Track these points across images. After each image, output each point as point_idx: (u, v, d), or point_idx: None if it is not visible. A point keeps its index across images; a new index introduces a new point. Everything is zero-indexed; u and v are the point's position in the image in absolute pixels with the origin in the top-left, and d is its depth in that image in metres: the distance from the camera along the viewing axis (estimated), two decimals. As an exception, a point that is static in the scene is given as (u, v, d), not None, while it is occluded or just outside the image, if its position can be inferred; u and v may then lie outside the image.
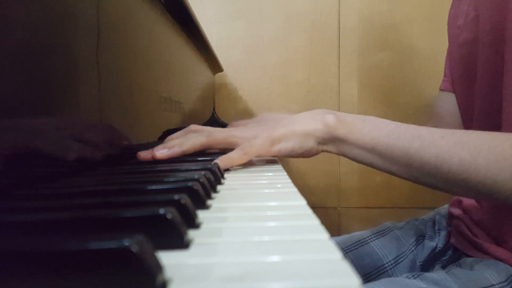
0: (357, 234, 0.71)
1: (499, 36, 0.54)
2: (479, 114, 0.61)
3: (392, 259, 0.66)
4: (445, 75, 0.77)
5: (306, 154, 0.48)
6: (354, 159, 0.47)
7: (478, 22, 0.60)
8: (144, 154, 0.48)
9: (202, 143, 0.49)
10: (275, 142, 0.47)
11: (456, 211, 0.65)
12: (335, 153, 0.48)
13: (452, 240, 0.64)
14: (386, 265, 0.65)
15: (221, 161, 0.45)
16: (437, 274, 0.53)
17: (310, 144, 0.47)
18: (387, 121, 0.46)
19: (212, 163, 0.43)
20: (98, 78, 0.40)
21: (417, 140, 0.43)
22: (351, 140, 0.46)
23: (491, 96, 0.57)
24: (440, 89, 0.78)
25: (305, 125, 0.47)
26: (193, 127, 0.55)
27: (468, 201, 0.63)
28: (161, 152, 0.47)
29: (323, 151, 0.48)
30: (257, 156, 0.48)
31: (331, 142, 0.47)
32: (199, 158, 0.50)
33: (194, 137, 0.49)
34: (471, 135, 0.41)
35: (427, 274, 0.54)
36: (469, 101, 0.64)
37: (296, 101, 1.21)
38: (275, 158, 0.65)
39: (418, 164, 0.42)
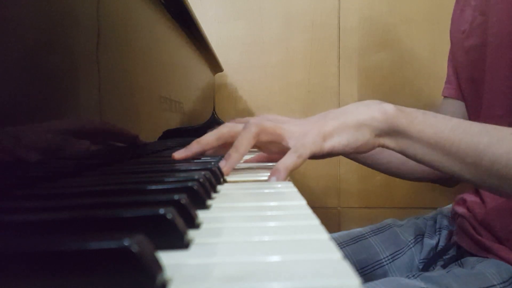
0: (356, 230, 0.71)
1: (509, 39, 0.54)
2: (487, 118, 0.61)
3: (389, 255, 0.66)
4: (448, 82, 0.75)
5: (362, 148, 0.42)
6: (414, 157, 0.42)
7: (486, 27, 0.59)
8: (181, 157, 0.44)
9: (253, 134, 0.41)
10: (327, 137, 0.41)
11: (461, 209, 0.65)
12: (392, 149, 0.43)
13: (456, 239, 0.64)
14: (383, 260, 0.65)
15: (278, 172, 0.39)
16: (437, 274, 0.53)
17: (366, 136, 0.41)
18: (449, 116, 0.42)
19: (269, 179, 0.39)
20: (98, 78, 0.40)
21: (485, 136, 0.39)
22: (413, 133, 0.41)
23: (499, 100, 0.57)
24: (444, 96, 0.76)
25: (359, 115, 0.41)
26: (225, 127, 0.46)
27: (472, 200, 0.63)
28: (223, 166, 0.41)
29: (379, 145, 0.43)
30: (311, 157, 0.41)
31: (390, 135, 0.42)
32: (200, 158, 0.50)
33: (244, 135, 0.42)
34: None
35: (427, 274, 0.54)
36: (478, 106, 0.63)
37: (296, 101, 1.21)
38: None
39: (487, 162, 0.38)
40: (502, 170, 0.38)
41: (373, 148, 0.42)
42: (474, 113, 0.66)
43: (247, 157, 0.57)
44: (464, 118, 0.70)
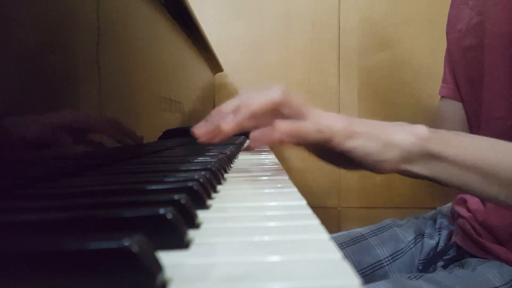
0: (356, 231, 0.71)
1: (507, 40, 0.54)
2: (487, 121, 0.60)
3: (389, 255, 0.66)
4: (445, 81, 0.75)
5: (379, 166, 0.38)
6: (447, 182, 0.39)
7: (483, 27, 0.59)
8: (202, 132, 0.39)
9: (275, 100, 0.37)
10: (353, 136, 0.37)
11: (461, 209, 0.64)
12: (421, 175, 0.39)
13: (456, 239, 0.64)
14: (383, 260, 0.65)
15: (290, 126, 0.35)
16: (439, 275, 0.53)
17: (392, 155, 0.37)
18: (481, 136, 0.40)
19: (277, 123, 0.35)
20: (98, 78, 0.40)
21: None
22: (448, 156, 0.37)
23: (499, 102, 0.57)
24: (441, 96, 0.76)
25: (392, 133, 0.38)
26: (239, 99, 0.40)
27: (473, 201, 0.63)
28: (227, 122, 0.37)
29: (403, 171, 0.38)
30: (326, 143, 0.37)
31: (421, 160, 0.38)
32: (200, 159, 0.50)
33: (264, 95, 0.37)
34: None
35: (429, 275, 0.54)
36: (477, 107, 0.63)
37: (296, 101, 1.20)
38: (276, 159, 0.65)
39: None
40: None
41: (392, 171, 0.39)
42: (474, 115, 0.66)
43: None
44: (461, 118, 0.70)
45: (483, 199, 0.40)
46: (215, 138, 0.39)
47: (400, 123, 0.40)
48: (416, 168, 0.38)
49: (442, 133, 0.39)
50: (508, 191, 0.38)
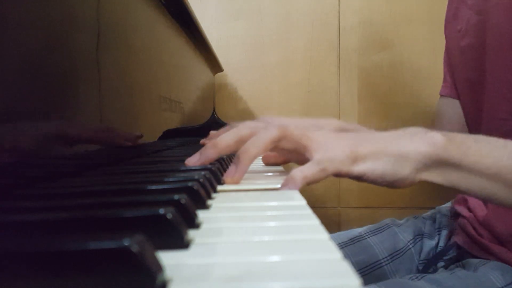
0: (355, 231, 0.71)
1: (510, 40, 0.54)
2: (489, 120, 0.60)
3: (388, 255, 0.66)
4: (445, 80, 0.75)
5: (396, 184, 0.36)
6: (467, 191, 0.37)
7: (483, 27, 0.59)
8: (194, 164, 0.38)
9: (273, 138, 0.36)
10: (359, 160, 0.35)
11: (461, 209, 0.64)
12: (438, 183, 0.37)
13: (456, 239, 0.63)
14: (382, 261, 0.65)
15: (293, 180, 0.34)
16: (441, 276, 0.53)
17: (407, 170, 0.35)
18: (501, 139, 0.37)
19: (282, 188, 0.35)
20: (98, 78, 0.40)
21: None
22: (467, 165, 0.35)
23: (501, 103, 0.57)
24: (441, 95, 0.76)
25: (403, 145, 0.35)
26: (246, 128, 0.40)
27: (473, 201, 0.63)
28: (233, 173, 0.37)
29: (421, 180, 0.37)
30: (335, 174, 0.37)
31: (437, 169, 0.36)
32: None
33: (262, 137, 0.36)
34: None
35: (430, 276, 0.54)
36: (477, 107, 0.63)
37: (296, 101, 1.21)
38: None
39: None
40: None
41: (412, 184, 0.37)
42: (474, 116, 0.65)
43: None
44: (460, 116, 0.70)
45: (508, 207, 0.38)
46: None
47: (412, 130, 0.38)
48: (433, 177, 0.36)
49: (459, 140, 0.37)
50: None
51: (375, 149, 0.35)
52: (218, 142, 0.38)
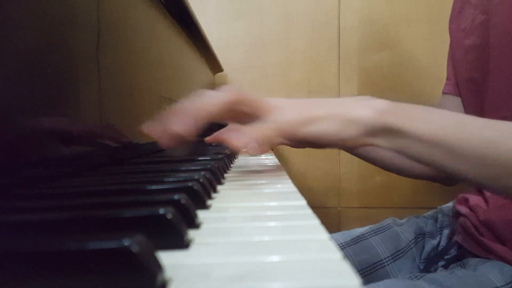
0: (357, 230, 0.71)
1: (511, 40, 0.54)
2: (491, 118, 0.60)
3: (390, 255, 0.66)
4: (448, 79, 0.76)
5: (341, 144, 0.38)
6: (412, 157, 0.38)
7: (487, 26, 0.59)
8: (151, 130, 0.37)
9: (230, 99, 0.37)
10: (311, 122, 0.37)
11: (463, 208, 0.64)
12: (386, 148, 0.38)
13: (457, 238, 0.63)
14: (384, 261, 0.65)
15: (249, 138, 0.35)
16: (440, 275, 0.53)
17: (354, 132, 0.37)
18: (446, 111, 0.39)
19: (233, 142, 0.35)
20: (98, 78, 0.40)
21: (490, 131, 0.36)
22: (411, 131, 0.36)
23: (504, 101, 0.57)
24: (444, 93, 0.77)
25: (351, 109, 0.37)
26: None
27: (474, 200, 0.63)
28: (183, 124, 0.36)
29: (368, 145, 0.38)
30: (289, 138, 0.38)
31: (383, 134, 0.37)
32: (200, 159, 0.50)
33: (217, 97, 0.37)
34: None
35: (430, 275, 0.54)
36: (479, 106, 0.63)
37: (296, 101, 1.20)
38: (276, 159, 0.65)
39: (492, 159, 0.35)
40: (510, 168, 0.35)
41: (360, 146, 0.39)
42: (476, 114, 0.66)
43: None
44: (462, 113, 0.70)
45: (455, 178, 0.40)
46: (172, 141, 0.37)
47: (362, 97, 0.39)
48: (380, 142, 0.38)
49: (406, 108, 0.38)
50: (476, 170, 0.36)
51: (325, 112, 0.37)
52: (202, 104, 0.38)
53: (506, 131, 0.35)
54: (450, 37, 0.72)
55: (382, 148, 0.38)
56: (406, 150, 0.38)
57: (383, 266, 0.65)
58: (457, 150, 0.36)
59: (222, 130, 0.42)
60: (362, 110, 0.37)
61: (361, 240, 0.68)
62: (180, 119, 0.36)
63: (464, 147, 0.36)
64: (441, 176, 0.67)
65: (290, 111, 0.38)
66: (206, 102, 0.37)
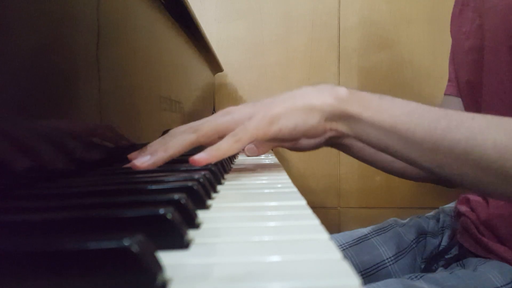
0: (359, 231, 0.71)
1: (505, 43, 0.54)
2: None
3: (392, 256, 0.66)
4: (450, 80, 0.76)
5: (311, 133, 0.40)
6: (368, 142, 0.41)
7: (483, 29, 0.60)
8: (128, 165, 0.40)
9: (191, 141, 0.40)
10: (273, 121, 0.39)
11: (464, 208, 0.65)
12: (345, 134, 0.41)
13: (458, 238, 0.64)
14: (386, 261, 0.65)
15: (209, 154, 0.37)
16: (440, 275, 0.53)
17: (316, 119, 0.39)
18: (408, 100, 0.40)
19: (196, 157, 0.37)
20: (98, 78, 0.40)
21: (444, 120, 0.37)
22: (366, 118, 0.39)
23: (497, 103, 0.57)
24: (446, 94, 0.77)
25: (309, 99, 0.40)
26: (175, 130, 0.44)
27: (475, 200, 0.63)
28: (143, 161, 0.38)
29: (331, 129, 0.41)
30: (253, 141, 0.40)
31: (342, 120, 0.40)
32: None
33: (179, 136, 0.40)
34: (504, 118, 0.37)
35: (429, 275, 0.54)
36: (477, 107, 0.63)
37: (296, 101, 1.20)
38: (276, 159, 0.65)
39: (444, 148, 0.36)
40: (461, 157, 0.36)
41: (324, 131, 0.41)
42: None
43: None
44: None
45: (412, 165, 0.40)
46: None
47: (321, 85, 0.41)
48: (340, 126, 0.40)
49: (363, 95, 0.40)
50: (429, 155, 0.37)
51: (286, 107, 0.39)
52: (169, 148, 0.40)
53: (456, 121, 0.37)
54: (452, 39, 0.72)
55: (343, 133, 0.41)
56: (362, 136, 0.40)
57: (386, 267, 0.65)
58: (409, 136, 0.37)
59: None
60: (322, 98, 0.39)
61: (363, 241, 0.68)
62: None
63: (414, 134, 0.37)
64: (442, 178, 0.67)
65: (253, 117, 0.39)
66: (172, 144, 0.39)
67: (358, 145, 0.51)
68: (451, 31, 0.72)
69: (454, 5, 0.72)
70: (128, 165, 0.40)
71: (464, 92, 0.69)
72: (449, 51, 0.76)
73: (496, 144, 0.35)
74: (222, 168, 0.43)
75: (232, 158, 0.59)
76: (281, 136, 0.39)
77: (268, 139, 0.40)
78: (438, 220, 0.73)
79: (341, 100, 0.39)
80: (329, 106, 0.39)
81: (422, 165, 0.39)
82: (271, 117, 0.39)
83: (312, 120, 0.39)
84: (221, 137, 0.40)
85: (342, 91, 0.40)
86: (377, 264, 0.65)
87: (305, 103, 0.39)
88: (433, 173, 0.40)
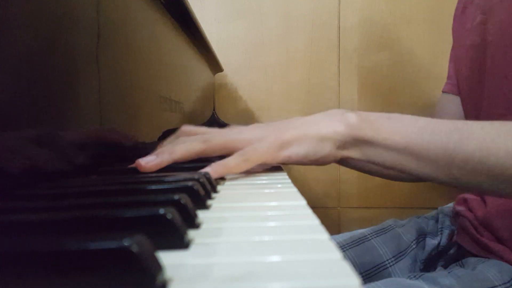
0: (358, 232, 0.71)
1: (508, 38, 0.54)
2: (488, 116, 0.61)
3: (393, 257, 0.66)
4: (449, 78, 0.76)
5: (320, 161, 0.41)
6: (383, 165, 0.41)
7: (486, 25, 0.60)
8: (133, 165, 0.41)
9: (198, 151, 0.40)
10: (284, 146, 0.39)
11: (462, 208, 0.65)
12: (358, 159, 0.41)
13: (457, 238, 0.64)
14: (386, 262, 0.65)
15: (214, 169, 0.38)
16: (439, 275, 0.53)
17: (327, 149, 0.40)
18: (415, 116, 0.40)
19: (203, 171, 0.38)
20: (98, 78, 0.40)
21: (455, 134, 0.37)
22: (379, 141, 0.39)
23: (500, 99, 0.57)
24: (443, 92, 0.77)
25: (322, 127, 0.40)
26: (186, 128, 0.45)
27: (473, 200, 0.63)
28: (147, 160, 0.39)
29: (342, 157, 0.41)
30: (261, 164, 0.41)
31: (354, 146, 0.40)
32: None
33: (188, 143, 0.41)
34: (510, 123, 0.37)
35: (428, 275, 0.54)
36: (476, 104, 0.63)
37: (296, 101, 1.21)
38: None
39: (459, 161, 0.37)
40: (476, 168, 0.36)
41: (334, 160, 0.41)
42: (474, 112, 0.66)
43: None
44: (460, 113, 0.71)
45: (428, 181, 0.41)
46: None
47: (332, 112, 0.42)
48: (352, 153, 0.41)
49: (372, 118, 0.40)
50: (445, 170, 0.38)
51: (298, 134, 0.40)
52: (175, 151, 0.41)
53: (467, 132, 0.37)
54: (453, 36, 0.72)
55: (355, 159, 0.41)
56: (376, 159, 0.40)
57: (386, 268, 0.65)
58: (423, 154, 0.38)
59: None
60: (333, 127, 0.40)
61: (363, 242, 0.68)
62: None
63: (428, 151, 0.38)
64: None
65: (264, 139, 0.40)
66: (179, 148, 0.40)
67: (366, 165, 0.52)
68: (453, 29, 0.72)
69: (458, 3, 0.72)
70: (133, 165, 0.40)
71: (463, 90, 0.69)
72: (449, 51, 0.76)
73: (509, 151, 0.35)
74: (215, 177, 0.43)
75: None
76: (290, 163, 0.40)
77: (275, 164, 0.40)
78: (437, 221, 0.73)
79: (352, 126, 0.39)
80: (340, 135, 0.39)
81: (438, 180, 0.39)
82: (282, 142, 0.39)
83: (323, 151, 0.40)
84: (227, 153, 0.40)
85: (352, 117, 0.40)
86: (377, 265, 0.65)
87: (317, 132, 0.40)
88: (449, 185, 0.40)
